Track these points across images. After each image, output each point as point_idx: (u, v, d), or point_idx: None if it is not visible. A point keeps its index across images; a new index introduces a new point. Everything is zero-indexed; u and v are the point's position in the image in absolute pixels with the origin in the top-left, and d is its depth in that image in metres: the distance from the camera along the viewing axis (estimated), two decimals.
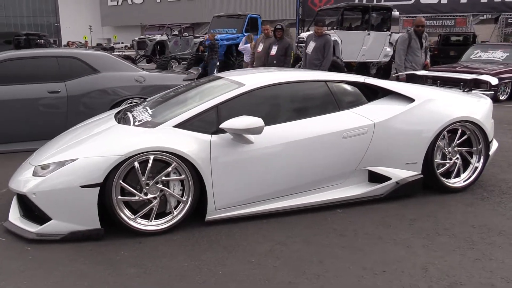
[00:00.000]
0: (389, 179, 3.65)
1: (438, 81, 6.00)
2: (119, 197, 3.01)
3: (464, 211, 3.50)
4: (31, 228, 3.02)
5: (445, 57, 15.71)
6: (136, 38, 17.16)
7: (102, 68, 5.85)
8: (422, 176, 3.74)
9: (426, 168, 3.76)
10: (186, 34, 17.32)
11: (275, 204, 3.39)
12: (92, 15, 60.96)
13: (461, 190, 3.93)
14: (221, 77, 3.98)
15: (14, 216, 3.17)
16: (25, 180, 3.11)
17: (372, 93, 3.87)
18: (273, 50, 8.08)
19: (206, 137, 3.17)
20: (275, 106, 3.64)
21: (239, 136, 3.17)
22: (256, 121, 3.08)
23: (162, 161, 3.06)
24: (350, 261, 2.72)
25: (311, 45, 7.08)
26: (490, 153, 4.04)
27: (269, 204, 3.37)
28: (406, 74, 5.72)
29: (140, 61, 17.05)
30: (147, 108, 3.80)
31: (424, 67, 6.67)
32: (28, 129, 5.40)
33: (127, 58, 15.78)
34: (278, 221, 3.32)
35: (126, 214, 3.04)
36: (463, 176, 3.98)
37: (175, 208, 3.15)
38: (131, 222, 3.04)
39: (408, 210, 3.52)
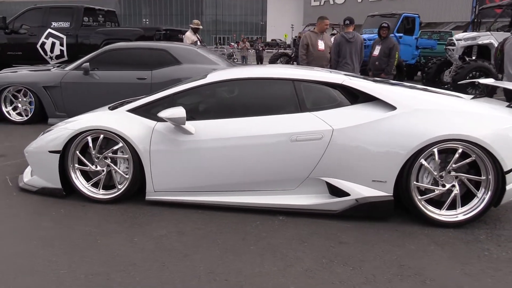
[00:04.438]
0: (348, 194, 3.23)
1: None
2: (76, 165, 3.56)
3: (419, 249, 2.85)
4: (26, 179, 3.84)
5: None
6: (293, 36, 17.82)
7: (185, 60, 6.56)
8: (391, 198, 3.17)
9: (401, 190, 3.17)
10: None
11: (215, 197, 3.42)
12: (296, 15, 64.87)
13: (451, 225, 3.18)
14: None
15: (27, 170, 4.05)
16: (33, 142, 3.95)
17: (353, 97, 3.44)
18: (376, 51, 7.53)
19: (151, 123, 3.44)
20: (229, 100, 3.62)
21: (179, 126, 3.33)
22: (178, 112, 3.19)
23: (114, 140, 3.47)
24: (208, 262, 2.63)
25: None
26: (508, 187, 3.11)
27: (210, 196, 3.42)
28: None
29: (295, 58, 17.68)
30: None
31: None
32: None
33: (283, 55, 16.61)
34: (211, 214, 3.35)
35: (79, 180, 3.56)
36: (461, 209, 3.19)
37: (121, 183, 3.53)
38: (82, 188, 3.56)
39: (350, 233, 3.07)
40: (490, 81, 4.19)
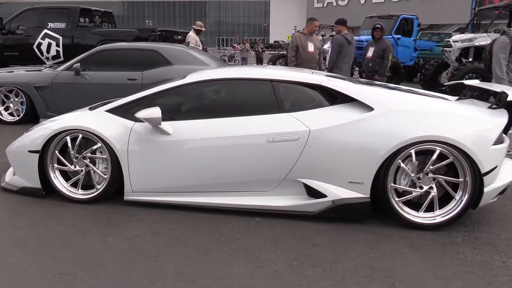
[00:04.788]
0: (325, 196, 3.22)
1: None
2: (55, 165, 3.56)
3: (393, 251, 2.83)
4: (8, 179, 3.84)
5: None
6: None
7: (176, 61, 6.57)
8: (368, 200, 3.16)
9: (378, 191, 3.15)
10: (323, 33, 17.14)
11: (193, 198, 3.41)
12: (299, 17, 64.81)
13: (429, 228, 3.15)
14: None
15: (10, 169, 4.06)
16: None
17: (332, 98, 3.42)
18: (370, 52, 7.52)
19: (129, 123, 3.44)
20: (208, 101, 3.62)
21: (156, 126, 3.32)
22: (153, 112, 3.19)
23: (92, 140, 3.47)
24: (178, 263, 2.63)
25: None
26: (486, 189, 3.09)
27: (187, 197, 3.41)
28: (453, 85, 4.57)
29: None
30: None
31: None
32: None
33: (282, 56, 16.62)
34: (188, 215, 3.34)
35: (58, 180, 3.57)
36: (439, 212, 3.16)
37: (100, 183, 3.53)
38: (61, 188, 3.56)
39: (326, 235, 3.06)
40: (475, 82, 4.15)
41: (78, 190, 3.56)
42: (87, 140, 3.50)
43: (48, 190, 3.61)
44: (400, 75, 12.57)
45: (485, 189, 3.09)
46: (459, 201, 3.13)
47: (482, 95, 3.90)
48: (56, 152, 3.53)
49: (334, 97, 3.41)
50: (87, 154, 3.49)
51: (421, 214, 3.18)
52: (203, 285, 2.41)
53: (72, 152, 3.50)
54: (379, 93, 3.36)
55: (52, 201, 3.56)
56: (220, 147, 3.29)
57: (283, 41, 59.94)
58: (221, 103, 3.60)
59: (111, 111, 3.55)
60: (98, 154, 3.49)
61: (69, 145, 3.48)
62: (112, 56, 6.64)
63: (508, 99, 3.26)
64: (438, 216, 3.16)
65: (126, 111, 3.52)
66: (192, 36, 9.10)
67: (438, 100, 3.52)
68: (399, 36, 13.06)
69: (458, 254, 2.81)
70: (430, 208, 3.19)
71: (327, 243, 2.94)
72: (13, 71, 6.95)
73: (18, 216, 3.30)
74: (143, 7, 70.61)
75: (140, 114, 3.23)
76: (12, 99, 6.73)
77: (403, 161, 3.12)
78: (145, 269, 2.56)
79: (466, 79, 9.92)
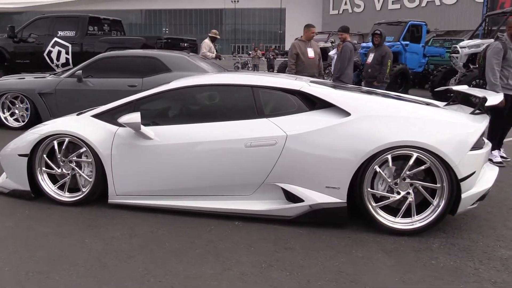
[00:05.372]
0: (302, 201, 3.24)
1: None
2: (43, 168, 3.67)
3: (364, 256, 2.83)
4: (0, 181, 3.97)
5: None
6: None
7: (175, 68, 6.68)
8: (345, 205, 3.16)
9: (355, 197, 3.16)
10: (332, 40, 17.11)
11: (174, 201, 3.47)
12: (314, 23, 64.65)
13: (407, 233, 3.14)
14: None
15: (3, 173, 4.19)
16: None
17: (311, 103, 3.45)
18: (369, 58, 7.52)
19: (113, 128, 3.53)
20: (190, 106, 3.68)
21: (137, 130, 3.40)
22: (133, 117, 3.27)
23: (79, 144, 3.57)
24: (149, 264, 2.68)
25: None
26: (464, 195, 3.07)
27: (169, 200, 3.47)
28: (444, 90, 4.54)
29: None
30: None
31: None
32: None
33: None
34: (169, 217, 3.40)
35: (45, 183, 3.67)
36: (417, 217, 3.15)
37: (85, 187, 3.62)
38: (48, 190, 3.67)
39: (301, 239, 3.08)
40: (464, 87, 4.13)
41: (64, 193, 3.66)
42: (74, 144, 3.61)
43: (37, 192, 3.72)
44: (408, 81, 12.47)
45: (463, 195, 3.06)
46: (436, 207, 3.12)
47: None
48: (44, 155, 3.64)
49: (314, 103, 3.43)
50: (73, 158, 3.59)
51: (398, 219, 3.17)
52: (168, 286, 2.45)
53: (59, 156, 3.60)
54: (357, 98, 3.38)
55: (40, 204, 3.66)
56: (201, 151, 3.35)
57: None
58: (202, 108, 3.67)
59: (96, 116, 3.65)
60: (83, 158, 3.58)
61: (56, 149, 3.59)
62: (114, 63, 6.79)
63: (487, 104, 3.24)
64: (416, 221, 3.15)
65: (111, 116, 3.61)
66: (206, 42, 9.41)
67: (419, 105, 3.51)
68: (407, 42, 12.96)
69: (431, 260, 2.80)
70: (407, 214, 3.18)
71: (300, 247, 2.96)
72: (24, 78, 7.17)
73: (5, 217, 3.41)
74: (160, 15, 71.65)
75: (122, 119, 3.32)
76: (17, 105, 6.93)
77: (380, 166, 3.12)
78: (115, 269, 2.62)
79: (473, 85, 9.80)
